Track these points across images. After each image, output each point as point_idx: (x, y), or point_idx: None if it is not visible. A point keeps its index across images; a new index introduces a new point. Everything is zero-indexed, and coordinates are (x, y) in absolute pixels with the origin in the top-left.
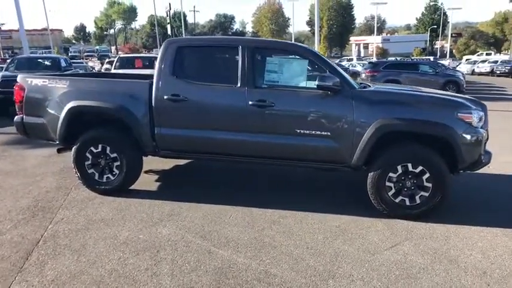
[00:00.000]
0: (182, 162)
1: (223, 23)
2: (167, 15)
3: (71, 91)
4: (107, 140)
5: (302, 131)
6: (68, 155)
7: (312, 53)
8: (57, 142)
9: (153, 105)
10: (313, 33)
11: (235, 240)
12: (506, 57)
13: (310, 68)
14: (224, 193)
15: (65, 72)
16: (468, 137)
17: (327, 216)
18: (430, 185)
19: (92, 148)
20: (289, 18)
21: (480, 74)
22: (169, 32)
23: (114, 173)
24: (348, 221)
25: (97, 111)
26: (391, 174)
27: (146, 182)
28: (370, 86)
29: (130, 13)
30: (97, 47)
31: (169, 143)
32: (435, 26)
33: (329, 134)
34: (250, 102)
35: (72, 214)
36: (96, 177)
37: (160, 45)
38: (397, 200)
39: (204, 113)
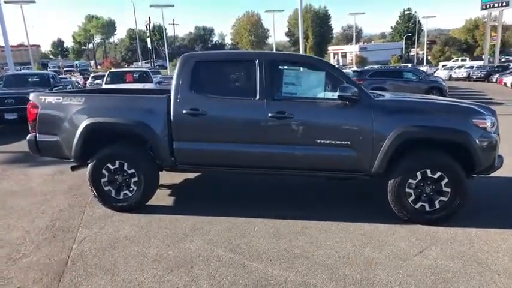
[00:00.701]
0: (192, 175)
1: (203, 35)
2: (147, 29)
3: (87, 108)
4: (124, 156)
5: (322, 141)
6: (73, 173)
7: (328, 64)
8: (72, 160)
9: (171, 119)
10: (292, 44)
11: (266, 252)
12: (480, 63)
13: (327, 80)
14: (241, 205)
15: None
16: (484, 141)
17: (349, 225)
18: (448, 189)
19: (109, 165)
20: (268, 30)
21: (457, 79)
22: (149, 45)
23: (131, 189)
24: (371, 228)
25: (114, 127)
26: (410, 181)
27: (160, 197)
28: (382, 95)
29: (109, 27)
30: (76, 62)
31: (189, 157)
32: (410, 34)
33: (349, 143)
34: (269, 114)
35: (94, 233)
36: (113, 194)
37: (141, 59)
38: (417, 206)
39: (223, 126)
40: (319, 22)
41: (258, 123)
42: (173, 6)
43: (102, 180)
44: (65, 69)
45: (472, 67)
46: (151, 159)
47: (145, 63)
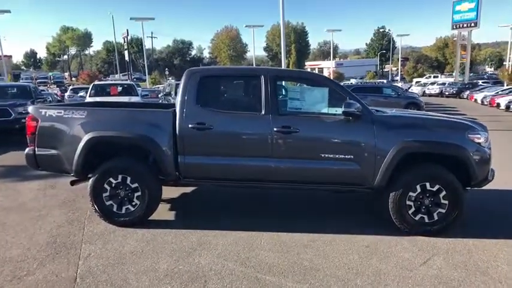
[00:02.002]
0: (188, 189)
1: (181, 48)
2: (124, 41)
3: (90, 121)
4: (128, 170)
5: (326, 155)
6: (65, 188)
7: (330, 81)
8: (72, 174)
9: (177, 133)
10: (270, 59)
11: (276, 265)
12: (450, 79)
13: (330, 96)
14: (243, 219)
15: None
16: (479, 155)
17: (352, 237)
18: (446, 202)
19: (111, 179)
20: (246, 44)
21: (430, 95)
22: (126, 58)
23: (134, 203)
24: (374, 240)
25: (118, 141)
26: (411, 193)
27: (160, 212)
28: (382, 111)
29: (85, 39)
30: (50, 74)
31: (193, 171)
32: (384, 51)
33: (352, 157)
34: (275, 129)
35: (98, 248)
36: (115, 209)
37: (118, 71)
38: (416, 218)
39: (229, 140)
40: (297, 38)
41: (264, 138)
42: (153, 19)
43: (104, 194)
44: (38, 80)
45: (444, 84)
46: (156, 173)
47: (123, 75)
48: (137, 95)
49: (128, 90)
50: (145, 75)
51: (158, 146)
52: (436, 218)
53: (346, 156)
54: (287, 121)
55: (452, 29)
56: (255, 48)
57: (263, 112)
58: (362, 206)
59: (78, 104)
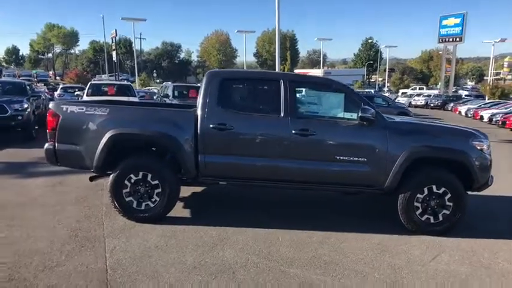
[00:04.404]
0: (199, 189)
1: (170, 51)
2: (112, 41)
3: (112, 118)
4: (149, 167)
5: (341, 158)
6: (74, 184)
7: (346, 87)
8: (92, 170)
9: (198, 133)
10: (260, 64)
11: (297, 259)
12: (435, 91)
13: (345, 101)
14: (257, 217)
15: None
16: (482, 161)
17: (363, 236)
18: (451, 204)
19: (132, 175)
20: (236, 49)
21: (416, 106)
22: (114, 58)
23: (153, 200)
24: (384, 238)
25: (140, 138)
26: (418, 195)
27: (175, 209)
28: (392, 118)
29: (72, 37)
30: (34, 71)
31: (212, 170)
32: (371, 62)
33: (365, 160)
34: (293, 131)
35: (122, 242)
36: (134, 205)
37: (106, 71)
38: (423, 218)
39: (249, 141)
40: (287, 45)
41: (283, 139)
42: (145, 20)
43: (124, 191)
44: (21, 78)
45: (429, 95)
46: (176, 171)
47: (110, 76)
48: (135, 96)
49: (125, 91)
50: (132, 76)
51: (180, 145)
52: (441, 218)
53: (360, 159)
54: (305, 124)
55: (439, 42)
56: (246, 54)
57: (282, 115)
58: (368, 207)
59: (98, 101)
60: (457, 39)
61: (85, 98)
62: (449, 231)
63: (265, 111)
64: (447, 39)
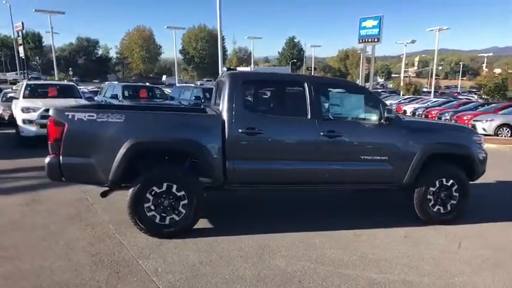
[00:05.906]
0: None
1: (86, 47)
2: (19, 35)
3: (130, 126)
4: (175, 178)
5: (366, 157)
6: (53, 200)
7: (365, 89)
8: (107, 185)
9: (226, 138)
10: (187, 62)
11: (348, 260)
12: None
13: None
14: (276, 222)
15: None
16: (481, 155)
17: (389, 231)
18: (457, 194)
19: (155, 188)
20: (160, 46)
21: None
22: (21, 54)
23: (178, 213)
24: (407, 231)
25: (167, 147)
26: (431, 188)
27: None
28: (403, 117)
29: None
30: None
31: (240, 176)
32: (295, 60)
33: (387, 158)
34: (321, 133)
35: (161, 263)
36: (157, 220)
37: (8, 69)
38: (435, 210)
39: (279, 145)
40: (214, 42)
41: (311, 141)
42: (63, 13)
43: (146, 205)
44: None
45: None
46: (199, 180)
47: (16, 74)
48: (81, 97)
49: (69, 92)
50: (43, 74)
51: (208, 152)
52: (449, 208)
53: (382, 158)
54: (332, 126)
55: (359, 42)
56: (172, 51)
57: (309, 117)
58: (369, 203)
59: (110, 107)
60: (375, 39)
61: (21, 100)
62: (456, 220)
63: (292, 113)
64: (366, 39)
